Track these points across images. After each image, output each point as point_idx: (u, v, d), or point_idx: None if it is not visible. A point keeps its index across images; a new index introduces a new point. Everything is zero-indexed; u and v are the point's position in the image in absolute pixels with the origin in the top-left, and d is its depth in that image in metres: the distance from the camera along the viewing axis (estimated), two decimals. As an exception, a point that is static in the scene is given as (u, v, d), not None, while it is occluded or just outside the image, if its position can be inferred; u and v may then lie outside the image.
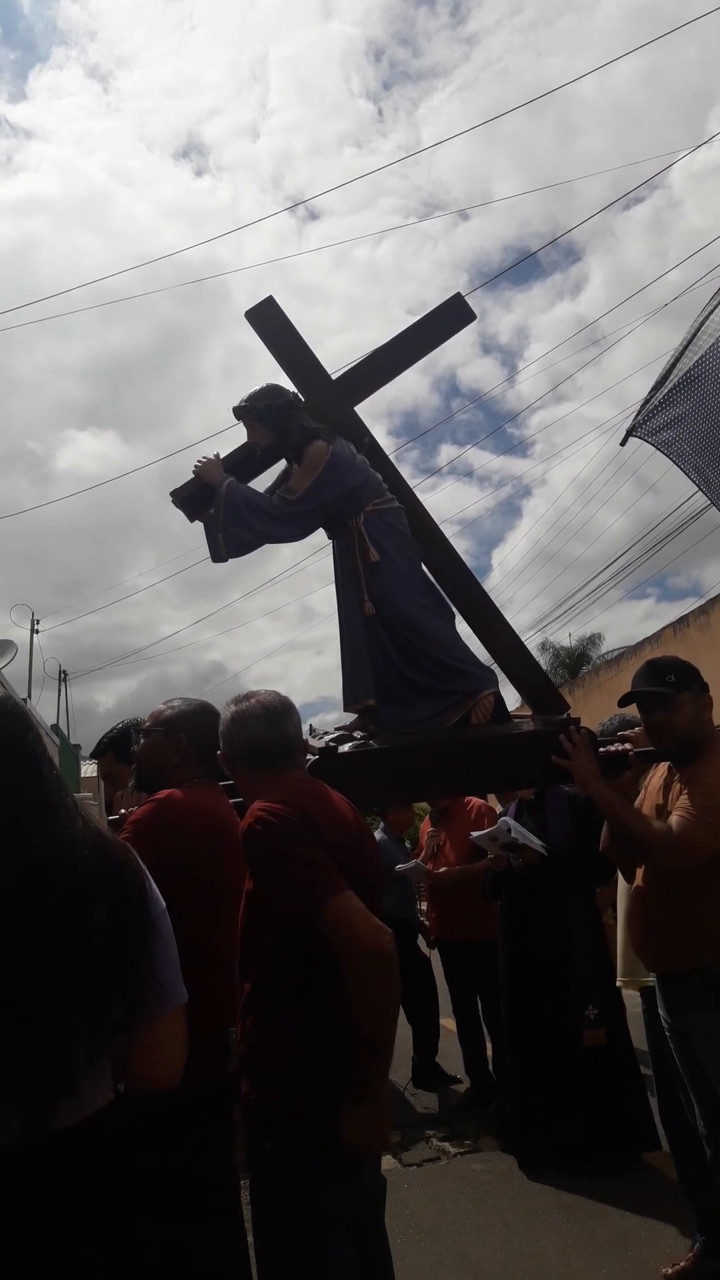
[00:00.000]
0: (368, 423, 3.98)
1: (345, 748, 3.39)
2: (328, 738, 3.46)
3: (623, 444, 3.76)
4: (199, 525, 3.74)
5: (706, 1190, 3.06)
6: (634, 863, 3.03)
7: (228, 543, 3.63)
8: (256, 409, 3.70)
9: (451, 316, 4.15)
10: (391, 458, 4.06)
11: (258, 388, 3.74)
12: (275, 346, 3.95)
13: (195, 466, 3.72)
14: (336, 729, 3.68)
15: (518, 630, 4.14)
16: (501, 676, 3.93)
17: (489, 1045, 5.17)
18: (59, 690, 28.46)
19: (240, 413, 3.75)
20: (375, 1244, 2.09)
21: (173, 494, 3.77)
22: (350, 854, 2.09)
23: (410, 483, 4.05)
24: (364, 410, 4.01)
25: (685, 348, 3.53)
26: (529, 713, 3.93)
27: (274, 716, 2.24)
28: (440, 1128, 4.84)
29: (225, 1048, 2.18)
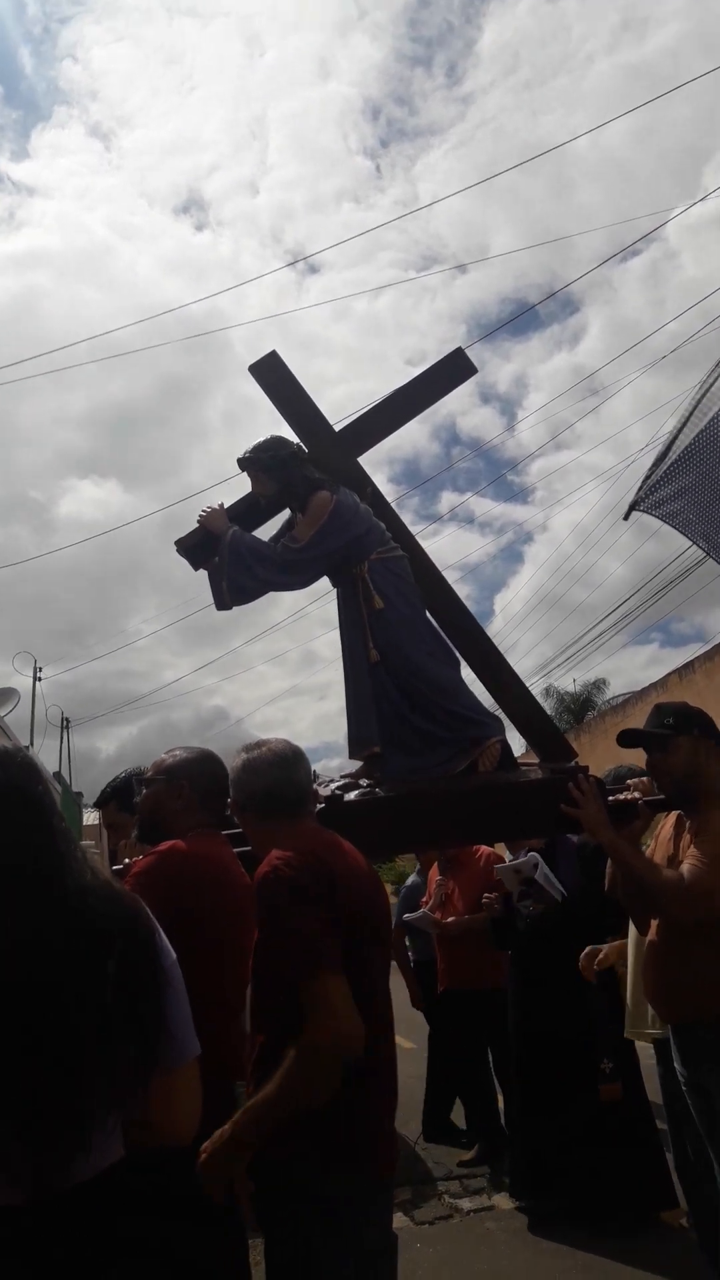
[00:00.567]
0: (369, 470, 4.03)
1: (351, 796, 3.38)
2: (333, 785, 3.46)
3: (626, 518, 3.80)
4: (202, 573, 3.77)
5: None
6: (647, 913, 3.00)
7: (231, 591, 3.65)
8: (261, 460, 3.74)
9: (453, 370, 4.21)
10: (393, 505, 4.10)
11: (262, 439, 3.80)
12: (279, 399, 4.01)
13: (200, 516, 3.76)
14: (342, 776, 3.67)
15: (522, 676, 4.14)
16: (507, 723, 3.92)
17: (500, 1098, 5.08)
18: (61, 737, 28.35)
19: (245, 464, 3.79)
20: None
21: (177, 543, 3.81)
22: (366, 903, 2.08)
23: (412, 529, 4.08)
24: (366, 459, 4.06)
25: (684, 424, 3.59)
26: (536, 760, 3.92)
27: (286, 764, 2.25)
28: (452, 1184, 4.74)
29: (232, 1102, 2.15)
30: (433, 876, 5.85)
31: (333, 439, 4.03)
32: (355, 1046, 1.85)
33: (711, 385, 3.63)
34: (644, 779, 3.22)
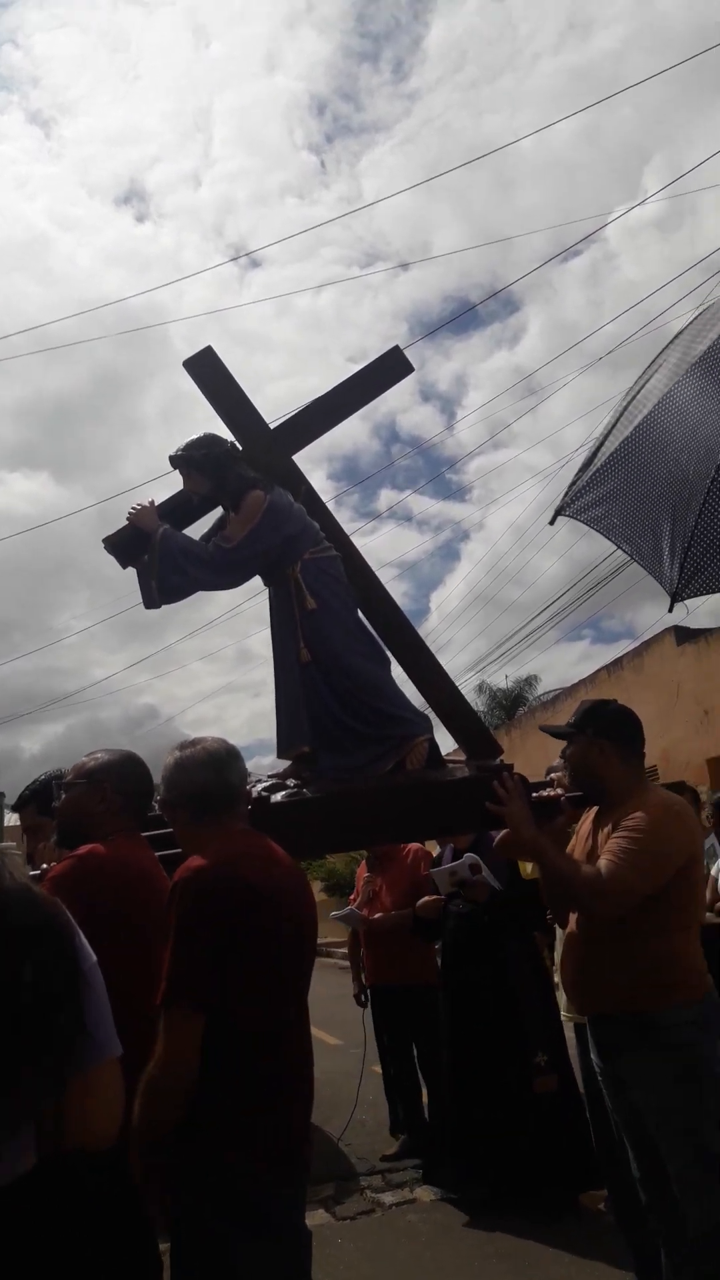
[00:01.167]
0: (306, 468, 4.03)
1: (278, 797, 3.38)
2: (260, 786, 3.45)
3: (551, 523, 3.85)
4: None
5: (642, 1233, 3.06)
6: (567, 907, 3.06)
7: (161, 590, 3.62)
8: (193, 458, 3.71)
9: (390, 369, 4.23)
10: (331, 502, 4.11)
11: (195, 436, 3.76)
12: (213, 396, 3.98)
13: (130, 513, 3.71)
14: (269, 776, 3.67)
15: (456, 672, 4.21)
16: (436, 722, 3.97)
17: (424, 1092, 5.13)
18: (-14, 735, 27.72)
19: (177, 461, 3.76)
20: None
21: (105, 540, 3.76)
22: (288, 912, 2.10)
23: (350, 527, 4.12)
24: (304, 456, 4.06)
25: (611, 429, 3.65)
26: (463, 758, 3.97)
27: (219, 764, 2.25)
28: (375, 1179, 4.78)
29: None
30: (360, 873, 5.90)
31: (268, 437, 4.01)
32: (180, 1086, 1.90)
33: (639, 391, 3.69)
34: (561, 772, 3.31)
